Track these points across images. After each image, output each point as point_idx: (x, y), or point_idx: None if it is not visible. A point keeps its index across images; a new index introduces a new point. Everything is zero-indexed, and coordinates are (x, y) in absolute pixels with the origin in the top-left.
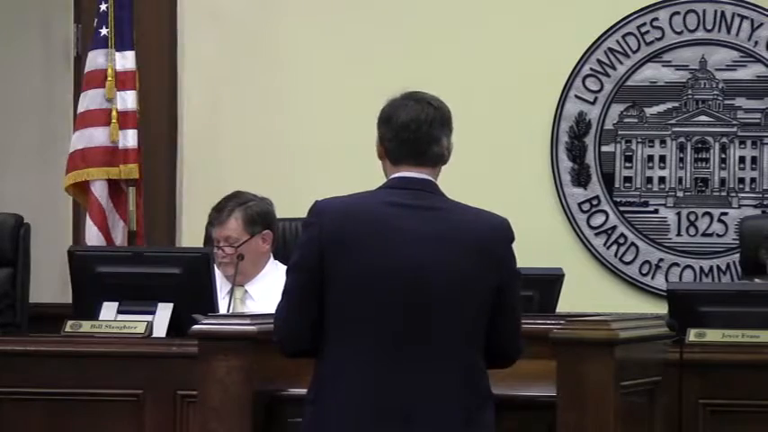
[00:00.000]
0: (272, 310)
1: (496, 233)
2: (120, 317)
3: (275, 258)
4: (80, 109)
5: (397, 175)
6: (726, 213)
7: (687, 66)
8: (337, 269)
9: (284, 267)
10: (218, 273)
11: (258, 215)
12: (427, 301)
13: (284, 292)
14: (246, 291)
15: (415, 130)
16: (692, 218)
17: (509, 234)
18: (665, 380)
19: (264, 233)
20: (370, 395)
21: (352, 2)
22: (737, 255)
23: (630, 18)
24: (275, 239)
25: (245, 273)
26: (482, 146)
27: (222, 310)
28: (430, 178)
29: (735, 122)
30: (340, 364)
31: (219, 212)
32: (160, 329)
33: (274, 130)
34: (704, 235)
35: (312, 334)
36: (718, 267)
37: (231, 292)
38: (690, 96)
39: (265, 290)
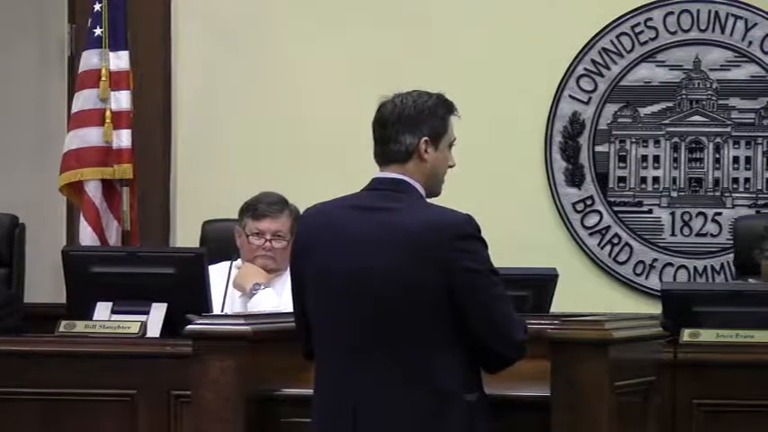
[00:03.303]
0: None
1: (437, 232)
2: (114, 317)
3: None
4: (74, 109)
5: (374, 175)
6: (720, 213)
7: (681, 66)
8: (303, 274)
9: None
10: (218, 272)
11: (298, 217)
12: (371, 305)
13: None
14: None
15: (378, 129)
16: (686, 218)
17: (460, 232)
18: (660, 380)
19: None
20: (329, 394)
21: (348, 1)
22: (731, 255)
23: (624, 18)
24: None
25: (274, 269)
26: (476, 146)
27: (237, 305)
28: (401, 177)
29: (729, 122)
30: (316, 365)
31: (271, 205)
32: (154, 329)
33: (269, 131)
34: (698, 235)
35: (309, 336)
36: (713, 267)
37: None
38: (684, 96)
39: (279, 290)
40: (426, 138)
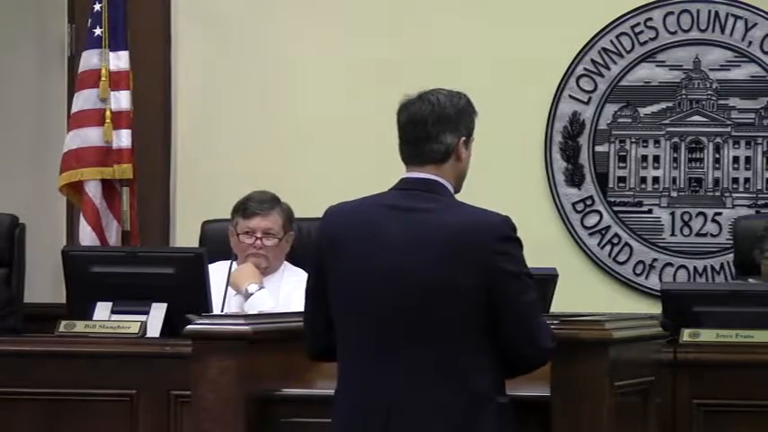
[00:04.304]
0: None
1: (479, 233)
2: (114, 317)
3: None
4: (74, 109)
5: (403, 175)
6: (720, 213)
7: (681, 66)
8: (333, 272)
9: (293, 269)
10: (217, 272)
11: (291, 215)
12: (408, 305)
13: (305, 296)
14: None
15: (411, 130)
16: (686, 218)
17: (497, 233)
18: (659, 380)
19: (290, 233)
20: (359, 393)
21: (347, 1)
22: (731, 255)
23: (624, 18)
24: (294, 241)
25: (266, 268)
26: (476, 145)
27: (234, 305)
28: (434, 177)
29: (729, 122)
30: (342, 364)
31: (261, 203)
32: (154, 329)
33: (269, 131)
34: (698, 235)
35: (325, 337)
36: (712, 267)
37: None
38: (684, 96)
39: (273, 289)
40: (464, 137)
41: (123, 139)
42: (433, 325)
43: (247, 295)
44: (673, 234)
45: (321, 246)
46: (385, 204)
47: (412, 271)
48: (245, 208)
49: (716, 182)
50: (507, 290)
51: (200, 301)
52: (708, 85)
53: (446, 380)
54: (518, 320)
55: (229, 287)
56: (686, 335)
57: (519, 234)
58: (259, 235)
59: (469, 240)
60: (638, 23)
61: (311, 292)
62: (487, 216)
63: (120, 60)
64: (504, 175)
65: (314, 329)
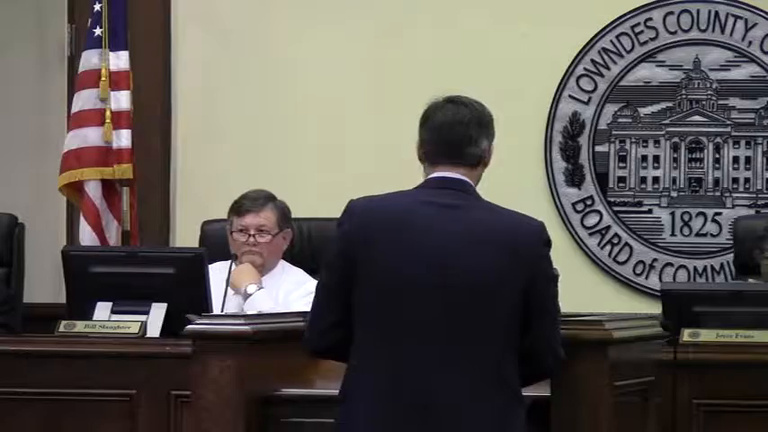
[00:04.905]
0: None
1: (526, 235)
2: (114, 317)
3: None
4: (74, 109)
5: (433, 175)
6: (720, 213)
7: (681, 66)
8: (366, 268)
9: (292, 269)
10: (217, 272)
11: (287, 212)
12: (453, 301)
13: (315, 291)
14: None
15: (449, 130)
16: (686, 218)
17: (542, 237)
18: (659, 380)
19: (287, 231)
20: (398, 393)
21: (347, 1)
22: (731, 255)
23: (624, 18)
24: (292, 240)
25: (262, 266)
26: None
27: (234, 305)
28: (466, 179)
29: (729, 122)
30: (369, 363)
31: (254, 201)
32: (154, 329)
33: (269, 131)
34: (698, 235)
35: (336, 333)
36: (712, 267)
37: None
38: (684, 96)
39: (270, 287)
40: (492, 144)
41: (123, 139)
42: (478, 323)
43: (246, 296)
44: (673, 234)
45: (351, 241)
46: (420, 200)
47: (462, 268)
48: (238, 206)
49: (716, 182)
50: (545, 294)
51: (200, 301)
52: (708, 85)
53: (486, 380)
54: (545, 325)
55: (229, 287)
56: (686, 335)
57: None
58: (252, 232)
59: (520, 242)
60: (638, 23)
61: (331, 287)
62: (529, 219)
63: (120, 60)
64: (504, 175)
65: (325, 324)
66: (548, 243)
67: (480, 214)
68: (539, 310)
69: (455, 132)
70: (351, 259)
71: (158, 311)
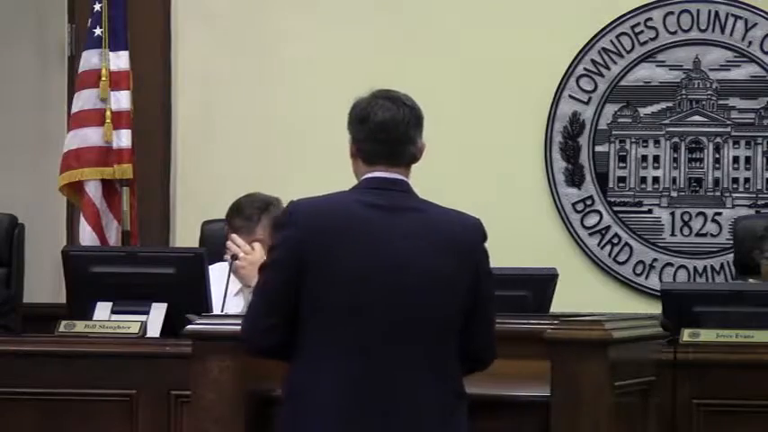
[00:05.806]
0: None
1: (472, 233)
2: (114, 317)
3: None
4: (74, 109)
5: (370, 175)
6: (720, 213)
7: (681, 66)
8: (318, 268)
9: None
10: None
11: None
12: (407, 301)
13: (256, 291)
14: None
15: (392, 130)
16: (686, 218)
17: (483, 234)
18: (659, 380)
19: None
20: (352, 393)
21: (347, 1)
22: (731, 255)
23: (624, 18)
24: None
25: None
26: (476, 146)
27: (234, 305)
28: (403, 178)
29: (729, 122)
30: (318, 363)
31: (248, 219)
32: (154, 329)
33: (268, 130)
34: (698, 235)
35: (280, 333)
36: (712, 267)
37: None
38: (684, 96)
39: None
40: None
41: (123, 139)
42: (431, 324)
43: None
44: (673, 234)
45: (302, 241)
46: (365, 202)
47: (417, 269)
48: (232, 220)
49: (716, 182)
50: (486, 290)
51: (200, 301)
52: (708, 85)
53: (438, 380)
54: (484, 321)
55: (229, 287)
56: (686, 335)
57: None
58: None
59: (464, 240)
60: (638, 23)
61: (276, 287)
62: (469, 217)
63: (120, 60)
64: (505, 176)
65: (268, 324)
66: (486, 238)
67: (424, 214)
68: (481, 307)
69: (396, 132)
70: (300, 261)
71: (158, 311)
